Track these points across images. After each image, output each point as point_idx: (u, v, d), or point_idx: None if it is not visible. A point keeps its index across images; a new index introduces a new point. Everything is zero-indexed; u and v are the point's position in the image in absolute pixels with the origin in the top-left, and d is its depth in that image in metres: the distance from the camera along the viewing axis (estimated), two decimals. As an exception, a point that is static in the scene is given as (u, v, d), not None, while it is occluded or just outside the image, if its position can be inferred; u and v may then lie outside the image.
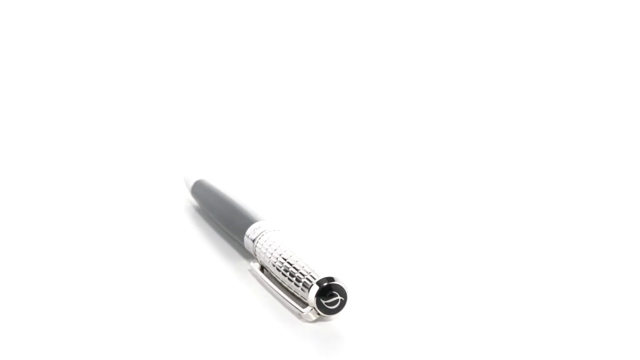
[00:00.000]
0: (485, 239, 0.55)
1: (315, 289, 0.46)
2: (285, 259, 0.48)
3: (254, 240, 0.51)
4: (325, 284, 0.46)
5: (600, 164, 0.67)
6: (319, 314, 0.47)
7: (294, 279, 0.47)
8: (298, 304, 0.47)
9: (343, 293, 0.46)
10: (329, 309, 0.46)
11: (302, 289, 0.47)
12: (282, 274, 0.48)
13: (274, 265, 0.49)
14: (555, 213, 0.59)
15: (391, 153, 0.68)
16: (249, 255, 0.52)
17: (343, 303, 0.46)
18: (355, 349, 0.46)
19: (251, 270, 0.51)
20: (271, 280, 0.49)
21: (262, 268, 0.50)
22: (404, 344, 0.46)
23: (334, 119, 0.74)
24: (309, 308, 0.47)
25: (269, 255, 0.49)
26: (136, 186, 0.62)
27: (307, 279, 0.47)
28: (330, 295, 0.46)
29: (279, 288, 0.49)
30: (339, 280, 0.46)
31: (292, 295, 0.48)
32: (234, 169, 0.65)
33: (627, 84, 0.80)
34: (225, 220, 0.54)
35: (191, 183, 0.58)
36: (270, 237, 0.50)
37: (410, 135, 0.71)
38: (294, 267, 0.48)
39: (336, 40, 0.86)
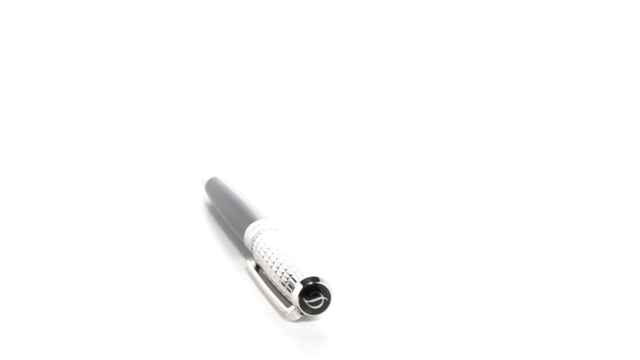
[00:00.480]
0: (475, 242, 0.55)
1: (298, 288, 0.46)
2: (276, 259, 0.49)
3: (252, 239, 0.51)
4: (309, 283, 0.46)
5: (600, 164, 0.66)
6: (302, 313, 0.47)
7: (282, 278, 0.48)
8: (284, 303, 0.47)
9: (327, 293, 0.46)
10: (312, 308, 0.47)
11: (287, 289, 0.47)
12: (273, 273, 0.48)
13: (265, 264, 0.49)
14: (540, 214, 0.59)
15: (400, 157, 0.68)
16: (250, 253, 0.52)
17: (327, 303, 0.47)
18: (337, 349, 0.46)
19: (247, 269, 0.51)
20: (263, 279, 0.50)
21: (258, 266, 0.51)
22: (386, 347, 0.46)
23: (356, 122, 0.74)
24: (292, 307, 0.47)
25: (262, 254, 0.50)
26: (161, 183, 0.63)
27: (293, 278, 0.47)
28: (313, 295, 0.46)
29: (269, 287, 0.49)
30: (324, 281, 0.47)
31: (280, 294, 0.48)
32: (258, 168, 0.66)
33: (627, 84, 0.79)
34: (230, 218, 0.55)
35: (206, 180, 0.59)
36: (266, 236, 0.50)
37: (413, 141, 0.71)
38: (282, 267, 0.48)
39: (342, 44, 0.86)
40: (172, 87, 0.80)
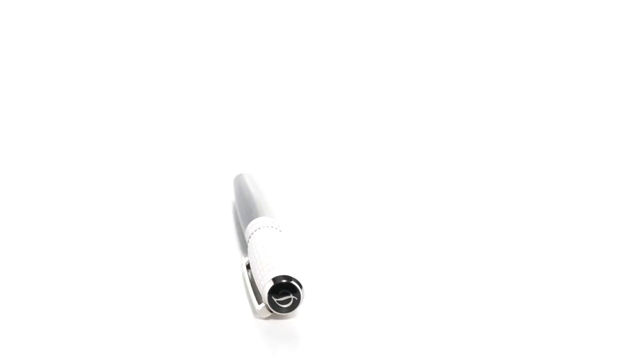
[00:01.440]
0: (471, 251, 0.54)
1: (268, 285, 0.46)
2: (259, 256, 0.48)
3: (249, 236, 0.51)
4: (281, 281, 0.46)
5: (600, 164, 0.64)
6: (270, 311, 0.46)
7: (258, 275, 0.47)
8: (258, 301, 0.47)
9: (297, 293, 0.46)
10: (282, 307, 0.46)
11: (260, 286, 0.47)
12: (254, 270, 0.48)
13: (251, 261, 0.49)
14: (533, 216, 0.57)
15: (409, 161, 0.67)
16: (249, 250, 0.52)
17: (296, 303, 0.46)
18: (305, 349, 0.45)
19: (241, 266, 0.51)
20: (250, 276, 0.49)
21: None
22: (356, 351, 0.45)
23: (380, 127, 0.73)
24: (262, 305, 0.47)
25: (252, 251, 0.50)
26: (196, 179, 0.64)
27: (265, 276, 0.47)
28: (282, 294, 0.46)
29: (252, 284, 0.49)
30: (295, 280, 0.46)
31: (257, 291, 0.48)
32: (298, 168, 0.66)
33: (627, 84, 0.77)
34: (240, 214, 0.55)
35: (234, 177, 0.59)
36: (260, 234, 0.50)
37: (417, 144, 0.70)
38: (261, 265, 0.48)
39: (350, 46, 0.85)
40: (229, 91, 0.81)
